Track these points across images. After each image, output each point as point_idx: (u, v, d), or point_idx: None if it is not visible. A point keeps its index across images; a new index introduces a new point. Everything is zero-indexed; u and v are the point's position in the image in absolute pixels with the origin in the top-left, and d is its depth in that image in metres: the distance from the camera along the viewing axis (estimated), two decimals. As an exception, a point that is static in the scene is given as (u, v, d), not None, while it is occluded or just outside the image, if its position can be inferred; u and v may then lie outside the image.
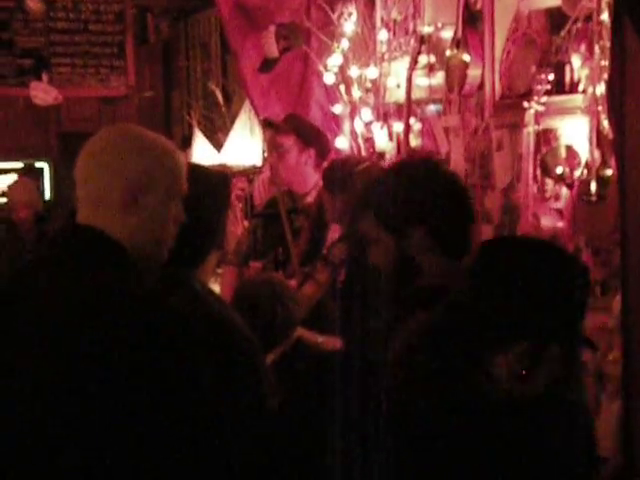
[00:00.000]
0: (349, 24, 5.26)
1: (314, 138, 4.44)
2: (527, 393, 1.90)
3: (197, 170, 2.48)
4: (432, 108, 4.74)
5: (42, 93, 8.27)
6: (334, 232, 4.03)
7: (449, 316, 1.98)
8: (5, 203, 7.04)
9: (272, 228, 4.35)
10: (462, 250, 2.28)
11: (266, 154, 4.55)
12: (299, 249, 4.16)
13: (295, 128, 4.37)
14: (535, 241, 2.59)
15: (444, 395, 1.89)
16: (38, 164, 9.06)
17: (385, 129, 5.08)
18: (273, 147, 4.38)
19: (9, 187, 7.14)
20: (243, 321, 2.38)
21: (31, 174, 8.84)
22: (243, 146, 6.55)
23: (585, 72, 3.65)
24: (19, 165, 9.34)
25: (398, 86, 4.93)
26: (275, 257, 4.18)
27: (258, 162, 6.43)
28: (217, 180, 2.47)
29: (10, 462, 1.86)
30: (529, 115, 3.72)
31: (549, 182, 3.86)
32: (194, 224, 2.19)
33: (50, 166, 9.41)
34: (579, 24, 3.63)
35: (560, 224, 3.79)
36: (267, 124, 4.57)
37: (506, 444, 1.88)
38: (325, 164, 4.37)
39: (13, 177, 8.41)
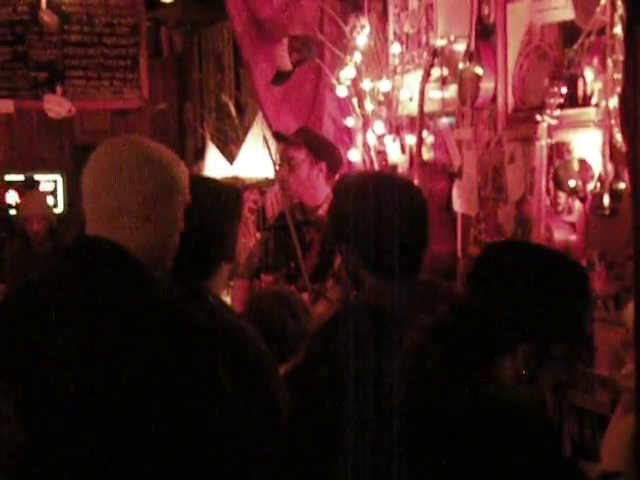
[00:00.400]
0: (362, 37, 5.26)
1: (325, 152, 4.44)
2: (532, 395, 1.92)
3: (209, 182, 2.51)
4: (445, 121, 4.75)
5: (56, 106, 8.32)
6: None
7: (453, 319, 1.98)
8: (18, 215, 7.06)
9: (283, 241, 4.35)
10: (404, 271, 2.21)
11: (277, 167, 4.54)
12: (310, 262, 4.16)
13: (306, 142, 4.37)
14: (536, 245, 2.60)
15: (450, 398, 1.89)
16: (51, 176, 9.08)
17: (398, 142, 5.09)
18: (285, 160, 4.38)
19: (22, 199, 7.17)
20: (256, 333, 2.40)
21: (44, 186, 8.86)
22: (255, 158, 6.56)
23: (598, 85, 3.64)
24: (32, 177, 9.36)
25: (411, 99, 4.94)
26: (287, 271, 4.18)
27: (270, 174, 6.44)
28: (229, 193, 2.50)
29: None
30: (542, 128, 3.71)
31: (562, 195, 3.85)
32: (204, 235, 2.22)
33: (63, 178, 9.43)
34: (592, 37, 3.62)
35: (573, 237, 3.78)
36: (278, 137, 4.57)
37: (510, 446, 1.88)
38: (337, 177, 4.38)
39: (26, 190, 8.42)
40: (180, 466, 1.89)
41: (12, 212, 8.32)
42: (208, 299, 2.39)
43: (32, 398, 1.86)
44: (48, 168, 9.26)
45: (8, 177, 10.35)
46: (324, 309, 3.85)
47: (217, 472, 1.94)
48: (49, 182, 9.08)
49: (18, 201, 8.00)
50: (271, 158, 4.62)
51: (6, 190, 10.22)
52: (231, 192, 2.52)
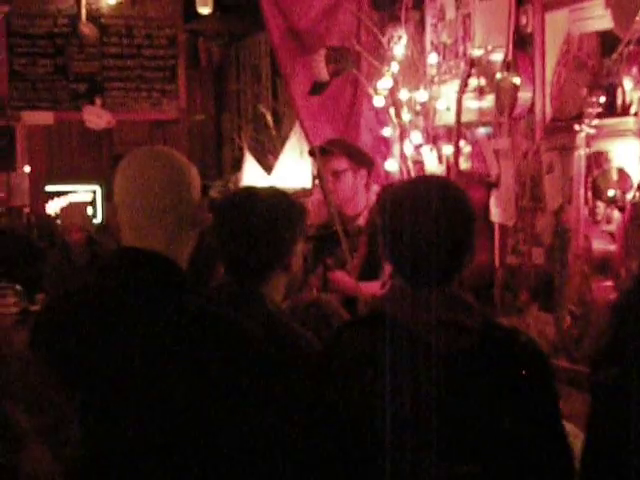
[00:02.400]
0: (399, 47, 5.27)
1: (364, 158, 4.47)
2: None
3: (273, 192, 2.66)
4: (482, 131, 4.74)
5: (95, 117, 8.40)
6: None
7: None
8: (59, 225, 7.13)
9: (322, 252, 4.36)
10: (431, 279, 2.16)
11: (317, 180, 4.55)
12: (357, 263, 4.17)
13: (347, 151, 4.39)
14: None
15: None
16: (90, 187, 9.17)
17: (435, 152, 5.08)
18: (327, 173, 4.37)
19: (62, 210, 7.24)
20: (314, 339, 2.48)
21: (83, 197, 8.94)
22: (293, 168, 6.58)
23: (637, 95, 3.62)
24: (73, 188, 9.46)
25: (448, 109, 4.94)
26: (324, 266, 4.21)
27: (308, 184, 6.46)
28: (291, 204, 2.60)
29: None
30: (580, 138, 3.70)
31: (600, 205, 3.83)
32: (261, 241, 2.38)
33: (102, 189, 9.52)
34: (631, 46, 3.60)
35: (612, 247, 3.76)
36: (321, 150, 4.56)
37: None
38: (375, 186, 4.40)
39: (67, 200, 8.51)
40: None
41: (53, 222, 8.40)
42: (264, 305, 2.45)
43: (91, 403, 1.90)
44: (87, 179, 9.35)
45: (48, 188, 10.47)
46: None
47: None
48: (88, 193, 9.17)
49: (58, 211, 8.07)
50: (312, 171, 4.64)
51: (46, 201, 10.34)
52: (295, 204, 2.62)
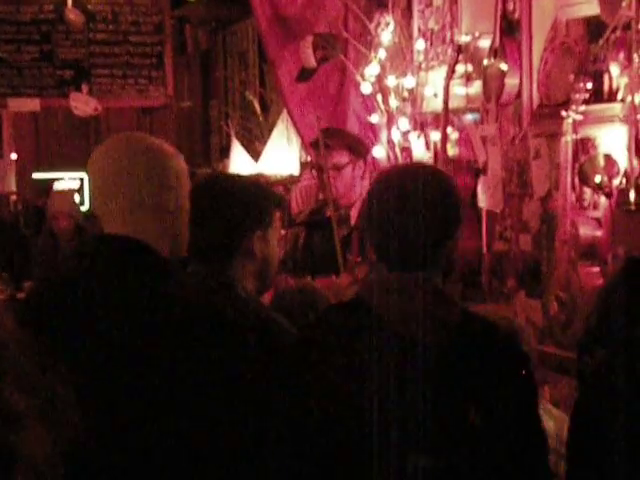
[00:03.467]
0: (386, 34, 5.26)
1: (360, 148, 4.46)
2: None
3: (239, 179, 2.68)
4: (469, 117, 4.74)
5: (82, 104, 8.36)
6: None
7: None
8: (46, 213, 7.11)
9: (315, 236, 4.35)
10: (409, 264, 2.15)
11: (314, 171, 4.51)
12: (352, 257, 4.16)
13: (347, 144, 4.37)
14: None
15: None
16: (77, 174, 9.14)
17: (422, 138, 5.08)
18: (330, 166, 4.33)
19: (49, 198, 7.21)
20: (288, 323, 2.47)
21: (70, 184, 8.91)
22: (280, 155, 6.58)
23: (624, 80, 3.63)
24: (60, 175, 9.42)
25: (435, 95, 4.93)
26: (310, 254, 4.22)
27: (295, 171, 6.46)
28: (256, 192, 2.58)
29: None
30: (567, 124, 3.70)
31: (587, 191, 3.84)
32: (223, 228, 2.33)
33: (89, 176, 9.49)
34: (618, 32, 3.61)
35: (599, 233, 3.77)
36: (324, 145, 4.52)
37: None
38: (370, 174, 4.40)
39: (53, 188, 8.48)
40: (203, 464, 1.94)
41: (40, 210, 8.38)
42: (233, 289, 2.44)
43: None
44: (74, 166, 9.32)
45: (36, 175, 10.44)
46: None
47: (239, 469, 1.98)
48: (75, 180, 9.14)
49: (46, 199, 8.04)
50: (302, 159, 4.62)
51: (34, 188, 10.30)
52: (264, 191, 2.61)
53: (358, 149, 4.41)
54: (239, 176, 2.74)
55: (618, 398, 2.08)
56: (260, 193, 2.59)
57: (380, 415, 2.02)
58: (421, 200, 2.09)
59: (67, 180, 9.15)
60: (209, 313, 2.02)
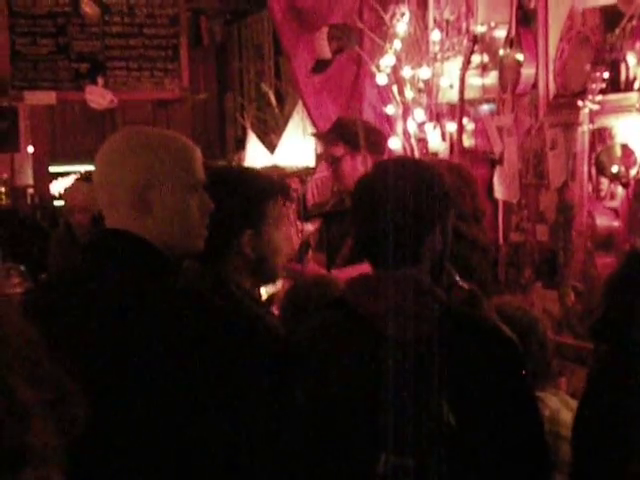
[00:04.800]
0: (402, 25, 5.25)
1: (364, 140, 4.44)
2: None
3: (230, 174, 2.64)
4: (485, 108, 4.73)
5: (97, 97, 8.38)
6: None
7: None
8: (63, 206, 7.14)
9: (336, 227, 4.36)
10: (389, 260, 2.13)
11: (322, 162, 4.54)
12: (346, 252, 4.16)
13: (342, 135, 4.35)
14: None
15: None
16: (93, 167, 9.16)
17: (438, 129, 5.07)
18: (328, 158, 4.36)
19: (66, 190, 7.23)
20: (277, 323, 2.48)
21: (87, 177, 8.93)
22: (296, 147, 6.57)
23: (641, 70, 3.61)
24: (76, 169, 9.45)
25: (451, 86, 4.92)
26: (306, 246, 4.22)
27: (311, 163, 6.45)
28: (250, 188, 2.54)
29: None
30: (584, 114, 3.69)
31: (604, 181, 3.82)
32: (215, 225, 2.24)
33: (106, 169, 9.50)
34: (634, 21, 3.59)
35: (616, 223, 3.75)
36: (315, 136, 4.55)
37: None
38: None
39: (70, 181, 8.51)
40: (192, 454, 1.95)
41: (57, 203, 8.41)
42: (226, 285, 2.45)
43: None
44: (91, 159, 9.34)
45: (52, 168, 10.47)
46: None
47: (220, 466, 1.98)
48: (92, 173, 9.16)
49: (62, 192, 8.07)
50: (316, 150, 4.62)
51: (50, 181, 10.34)
52: (246, 190, 2.54)
53: (355, 142, 4.37)
54: (228, 173, 2.67)
55: (622, 391, 2.08)
56: (248, 192, 2.54)
57: (362, 411, 2.02)
58: (398, 197, 2.06)
59: (83, 173, 9.16)
60: (200, 309, 2.00)
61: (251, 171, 2.96)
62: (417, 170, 2.17)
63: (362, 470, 2.00)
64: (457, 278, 2.55)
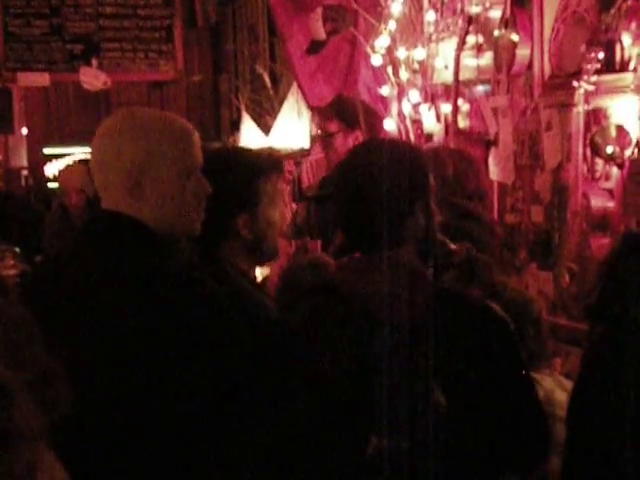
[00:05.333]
0: (396, 5, 5.23)
1: (358, 120, 4.44)
2: None
3: (221, 156, 2.64)
4: (480, 89, 4.71)
5: (91, 78, 8.35)
6: None
7: None
8: (57, 188, 7.13)
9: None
10: (374, 242, 2.13)
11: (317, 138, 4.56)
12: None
13: (338, 113, 4.37)
14: None
15: None
16: (89, 149, 9.15)
17: (433, 110, 5.07)
18: (321, 133, 4.39)
19: (60, 172, 7.22)
20: (272, 302, 2.49)
21: (83, 159, 8.92)
22: (291, 129, 6.56)
23: (636, 50, 3.60)
24: (71, 151, 9.43)
25: (446, 67, 4.91)
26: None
27: (306, 145, 6.44)
28: (241, 172, 2.54)
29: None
30: (579, 95, 3.68)
31: (599, 162, 3.82)
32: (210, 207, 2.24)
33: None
34: (629, 1, 3.58)
35: (610, 204, 3.75)
36: (312, 110, 4.58)
37: None
38: None
39: (65, 162, 8.50)
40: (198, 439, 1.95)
41: (51, 185, 8.40)
42: (223, 266, 2.45)
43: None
44: (85, 141, 9.33)
45: (46, 150, 10.45)
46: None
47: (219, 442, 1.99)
48: (86, 155, 9.14)
49: (57, 174, 8.07)
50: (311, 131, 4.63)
51: (45, 163, 10.31)
52: (236, 176, 2.54)
53: (351, 120, 4.38)
54: (219, 155, 2.66)
55: (616, 371, 2.08)
56: (241, 172, 2.54)
57: (351, 397, 2.02)
58: (375, 180, 2.06)
59: (78, 155, 9.15)
60: (196, 290, 2.00)
61: (242, 151, 2.94)
62: (392, 150, 2.15)
63: (355, 453, 2.00)
64: (452, 246, 2.54)
